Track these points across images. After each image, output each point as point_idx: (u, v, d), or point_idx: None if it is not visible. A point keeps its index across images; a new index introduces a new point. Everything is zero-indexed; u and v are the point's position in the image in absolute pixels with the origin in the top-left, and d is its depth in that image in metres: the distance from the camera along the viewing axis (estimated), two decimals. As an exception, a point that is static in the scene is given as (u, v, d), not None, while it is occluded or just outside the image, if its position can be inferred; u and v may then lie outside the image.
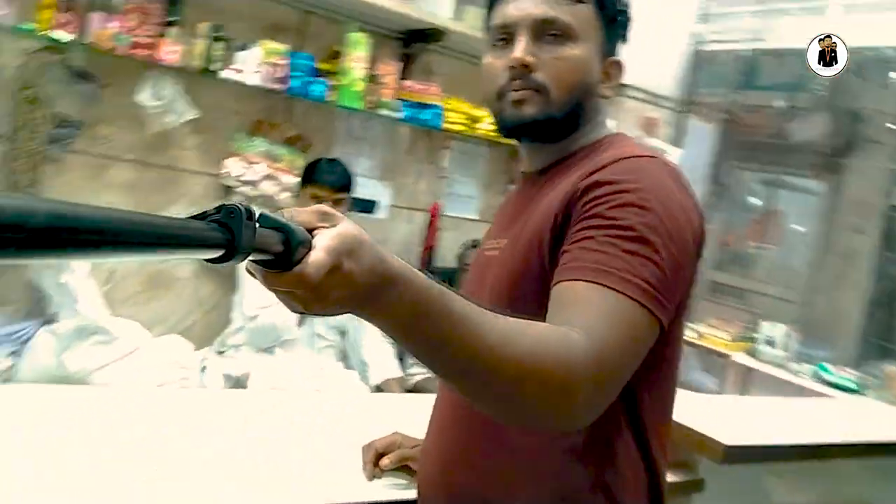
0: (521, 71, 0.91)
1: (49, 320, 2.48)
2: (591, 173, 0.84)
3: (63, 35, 2.29)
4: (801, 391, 2.76)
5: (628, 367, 0.75)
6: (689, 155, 3.57)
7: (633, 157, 0.86)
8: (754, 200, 4.18)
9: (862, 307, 3.38)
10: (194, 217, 0.52)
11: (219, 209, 0.52)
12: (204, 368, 2.56)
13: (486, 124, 3.08)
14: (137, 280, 2.73)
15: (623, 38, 1.00)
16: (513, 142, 1.02)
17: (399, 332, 0.64)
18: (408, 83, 2.95)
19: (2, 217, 0.34)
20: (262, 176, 2.82)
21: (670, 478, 1.38)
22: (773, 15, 3.37)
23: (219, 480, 1.05)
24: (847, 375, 2.89)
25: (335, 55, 2.82)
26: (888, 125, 3.40)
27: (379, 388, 2.57)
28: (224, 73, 2.54)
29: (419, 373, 2.73)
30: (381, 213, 3.16)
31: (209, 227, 0.51)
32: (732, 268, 4.15)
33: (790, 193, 4.15)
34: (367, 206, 3.10)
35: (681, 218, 0.81)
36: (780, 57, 3.58)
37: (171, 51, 2.43)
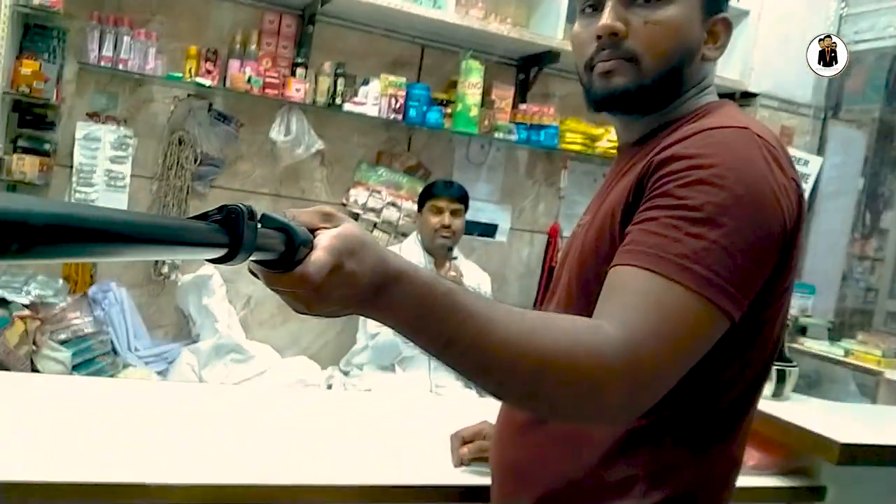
0: (610, 40, 0.81)
1: (193, 341, 2.71)
2: (668, 146, 0.75)
3: (206, 81, 2.56)
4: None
5: (677, 363, 0.68)
6: (833, 164, 3.32)
7: (718, 128, 0.75)
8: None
9: None
10: (196, 217, 0.52)
11: (220, 209, 0.51)
12: (330, 386, 2.68)
13: (606, 142, 3.04)
14: (272, 304, 2.92)
15: None
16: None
17: (406, 331, 0.63)
18: (523, 107, 2.98)
19: (6, 216, 0.34)
20: (385, 203, 2.96)
21: (785, 483, 1.27)
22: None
23: (325, 458, 1.13)
24: None
25: (452, 85, 2.92)
26: None
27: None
28: (347, 107, 2.71)
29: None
30: (501, 237, 3.18)
31: (211, 227, 0.51)
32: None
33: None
34: (487, 230, 3.14)
35: (766, 199, 0.72)
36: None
37: (298, 88, 2.63)
